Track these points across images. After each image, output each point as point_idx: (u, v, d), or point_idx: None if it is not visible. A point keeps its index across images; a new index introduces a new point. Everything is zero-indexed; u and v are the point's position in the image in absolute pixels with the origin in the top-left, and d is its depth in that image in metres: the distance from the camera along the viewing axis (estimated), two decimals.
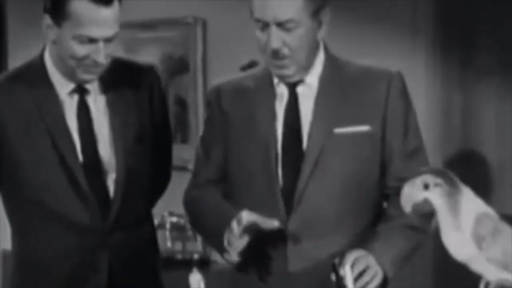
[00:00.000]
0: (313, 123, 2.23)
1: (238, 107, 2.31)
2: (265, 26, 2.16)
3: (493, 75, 3.53)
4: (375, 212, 2.29)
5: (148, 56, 4.31)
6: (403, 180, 2.02)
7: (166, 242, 3.92)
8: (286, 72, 2.22)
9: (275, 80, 2.27)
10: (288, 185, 2.22)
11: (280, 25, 2.14)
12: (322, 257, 2.17)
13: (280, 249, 2.22)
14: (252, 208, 2.20)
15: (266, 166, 2.23)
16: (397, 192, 2.02)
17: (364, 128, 2.23)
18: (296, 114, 2.25)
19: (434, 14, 3.63)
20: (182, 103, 4.39)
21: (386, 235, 2.20)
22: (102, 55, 2.29)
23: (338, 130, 2.22)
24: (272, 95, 2.27)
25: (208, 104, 2.40)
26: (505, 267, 1.91)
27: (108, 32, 2.29)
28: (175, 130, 4.27)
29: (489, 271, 1.93)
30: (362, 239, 2.20)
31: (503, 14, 3.47)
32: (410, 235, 2.23)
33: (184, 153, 3.73)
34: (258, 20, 2.17)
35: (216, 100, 2.35)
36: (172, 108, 4.32)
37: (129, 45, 4.33)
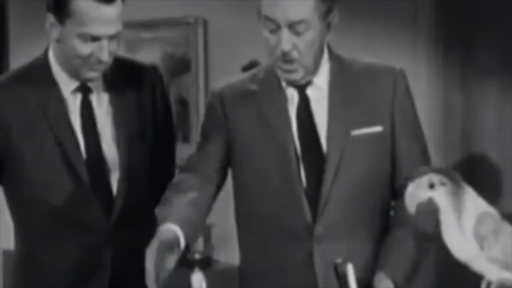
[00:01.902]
0: (331, 126, 2.22)
1: (245, 112, 2.27)
2: (275, 28, 2.14)
3: (494, 75, 3.53)
4: (387, 209, 2.29)
5: (150, 56, 4.31)
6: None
7: None
8: (294, 76, 2.20)
9: (283, 83, 2.25)
10: (312, 190, 2.21)
11: (291, 27, 2.12)
12: (344, 255, 2.14)
13: (305, 251, 2.21)
14: (274, 215, 2.22)
15: (286, 172, 2.21)
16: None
17: (378, 128, 2.23)
18: (310, 117, 2.24)
19: (435, 13, 3.63)
20: (183, 103, 4.39)
21: (399, 250, 2.19)
22: (105, 53, 2.30)
23: (355, 132, 2.21)
24: (283, 98, 2.25)
25: (210, 108, 2.36)
26: (507, 266, 1.91)
27: (111, 30, 2.29)
28: (177, 130, 4.27)
29: (490, 271, 1.93)
30: (378, 243, 2.21)
31: (504, 13, 3.47)
32: (422, 244, 2.20)
33: (185, 153, 3.71)
34: (267, 19, 2.15)
35: (219, 105, 2.31)
36: (173, 107, 4.31)
37: (131, 45, 4.33)
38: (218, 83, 2.39)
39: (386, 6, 3.71)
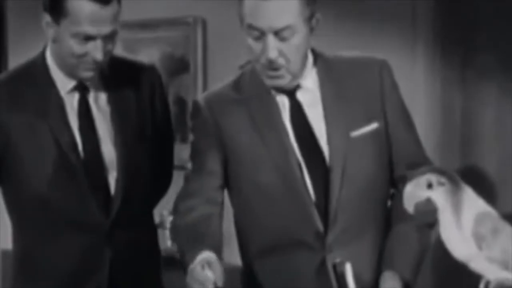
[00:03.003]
0: (330, 130, 2.18)
1: (238, 123, 2.22)
2: (260, 35, 2.10)
3: (493, 75, 3.53)
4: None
5: (148, 56, 4.31)
6: (415, 166, 2.07)
7: (165, 241, 3.91)
8: (281, 82, 2.16)
9: (272, 90, 2.21)
10: (320, 199, 2.17)
11: (276, 33, 2.08)
12: (355, 257, 2.13)
13: (317, 260, 2.19)
14: (282, 227, 2.18)
15: (291, 183, 2.17)
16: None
17: (374, 125, 2.21)
18: (306, 122, 2.20)
19: (434, 13, 3.63)
20: (182, 103, 4.39)
21: (404, 247, 2.19)
22: (100, 53, 2.30)
23: (354, 133, 2.19)
24: (274, 105, 2.21)
25: (200, 120, 2.27)
26: (505, 266, 1.91)
27: (106, 29, 2.29)
28: (175, 130, 4.26)
29: (489, 270, 1.93)
30: (384, 240, 2.21)
31: (503, 13, 3.47)
32: (424, 236, 2.21)
33: (183, 153, 3.69)
34: (251, 27, 2.10)
35: (210, 117, 2.24)
36: (172, 108, 4.30)
37: (129, 45, 4.33)
38: (201, 95, 2.33)
39: (385, 6, 3.71)
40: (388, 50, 3.60)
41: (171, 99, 4.32)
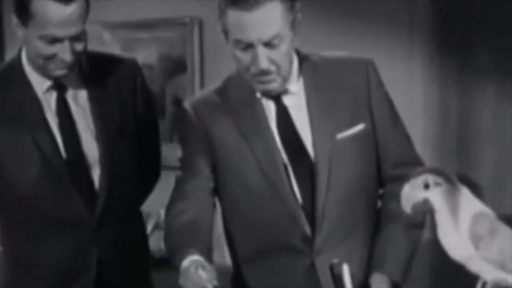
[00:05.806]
0: (315, 133, 2.18)
1: (226, 129, 2.22)
2: (247, 46, 2.09)
3: (491, 76, 3.54)
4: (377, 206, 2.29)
5: (146, 56, 4.31)
6: (403, 164, 2.11)
7: (162, 242, 3.89)
8: (273, 86, 2.16)
9: (258, 95, 2.21)
10: (307, 203, 2.17)
11: (266, 44, 2.07)
12: (344, 258, 2.11)
13: (306, 263, 2.19)
14: (270, 231, 2.18)
15: (279, 187, 2.17)
16: (397, 180, 2.04)
17: (360, 126, 2.21)
18: (292, 127, 2.20)
19: (432, 15, 3.64)
20: (179, 103, 4.39)
21: (393, 249, 2.19)
22: (68, 53, 2.29)
23: (340, 136, 2.19)
24: (261, 110, 2.20)
25: (190, 126, 2.27)
26: (502, 266, 1.91)
27: (72, 30, 2.28)
28: (172, 130, 4.27)
29: (486, 271, 1.93)
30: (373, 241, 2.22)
31: (501, 15, 3.48)
32: (414, 236, 2.22)
33: (180, 153, 3.72)
34: (239, 42, 2.09)
35: (199, 123, 2.24)
36: (169, 108, 4.32)
37: (127, 45, 4.33)
38: (188, 100, 2.33)
39: (383, 8, 3.71)
40: (386, 52, 3.61)
41: (168, 99, 4.32)
